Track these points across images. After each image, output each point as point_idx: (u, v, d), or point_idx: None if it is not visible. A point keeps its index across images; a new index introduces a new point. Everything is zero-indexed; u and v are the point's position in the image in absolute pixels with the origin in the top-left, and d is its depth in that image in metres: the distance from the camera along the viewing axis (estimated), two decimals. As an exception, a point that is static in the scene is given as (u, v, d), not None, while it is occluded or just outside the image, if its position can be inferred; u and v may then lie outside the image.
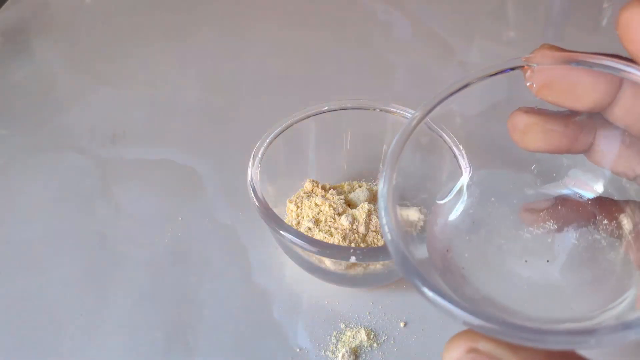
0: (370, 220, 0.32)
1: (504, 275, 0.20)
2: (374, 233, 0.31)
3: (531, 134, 0.19)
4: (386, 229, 0.18)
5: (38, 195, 0.40)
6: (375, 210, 0.33)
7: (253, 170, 0.31)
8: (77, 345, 0.31)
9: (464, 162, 0.24)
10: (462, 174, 0.22)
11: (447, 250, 0.21)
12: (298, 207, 0.34)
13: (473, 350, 0.15)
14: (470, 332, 0.16)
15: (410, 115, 0.34)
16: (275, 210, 0.29)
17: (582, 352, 0.15)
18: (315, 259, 0.30)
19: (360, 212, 0.32)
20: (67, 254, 0.36)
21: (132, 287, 0.34)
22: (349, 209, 0.33)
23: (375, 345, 0.31)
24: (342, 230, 0.31)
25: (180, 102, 0.49)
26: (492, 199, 0.21)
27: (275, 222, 0.28)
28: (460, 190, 0.22)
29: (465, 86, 0.19)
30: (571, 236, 0.20)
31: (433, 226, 0.21)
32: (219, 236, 0.37)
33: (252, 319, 0.32)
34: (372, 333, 0.31)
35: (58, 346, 0.31)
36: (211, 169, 0.42)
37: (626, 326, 0.13)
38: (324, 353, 0.30)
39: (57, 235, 0.37)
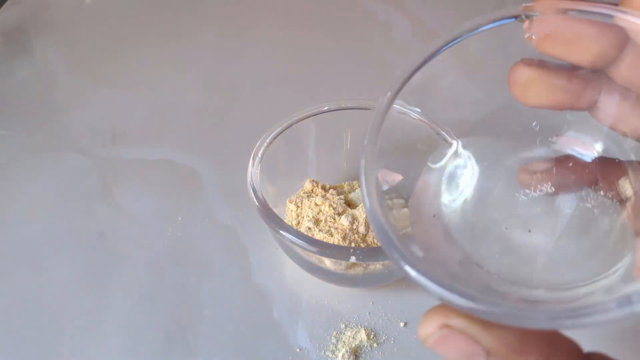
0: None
1: (493, 240, 0.19)
2: (374, 233, 0.31)
3: (533, 88, 0.18)
4: (366, 200, 0.17)
5: (38, 195, 0.40)
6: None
7: (253, 170, 0.31)
8: (77, 345, 0.31)
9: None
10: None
11: (434, 215, 0.20)
12: (298, 207, 0.34)
13: (445, 327, 0.15)
14: (445, 307, 0.15)
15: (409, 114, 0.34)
16: (275, 210, 0.29)
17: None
18: (315, 259, 0.30)
19: (360, 212, 0.32)
20: (67, 254, 0.36)
21: (132, 287, 0.34)
22: (349, 209, 0.33)
23: (375, 345, 0.31)
24: (342, 230, 0.31)
25: (180, 102, 0.49)
26: (486, 162, 0.20)
27: (275, 222, 0.28)
28: (453, 154, 0.21)
29: (457, 39, 0.18)
30: (568, 200, 0.19)
31: (421, 191, 0.20)
32: (219, 236, 0.37)
33: (252, 319, 0.32)
34: (372, 333, 0.31)
35: (58, 346, 0.31)
36: (211, 169, 0.42)
37: (607, 306, 0.13)
38: (324, 353, 0.30)
39: (57, 235, 0.37)
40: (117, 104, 0.49)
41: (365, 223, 0.31)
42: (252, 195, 0.30)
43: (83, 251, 0.36)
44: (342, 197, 0.34)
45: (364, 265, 0.30)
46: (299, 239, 0.27)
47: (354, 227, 0.31)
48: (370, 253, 0.27)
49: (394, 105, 0.18)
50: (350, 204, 0.35)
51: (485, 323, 0.14)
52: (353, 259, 0.27)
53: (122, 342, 0.31)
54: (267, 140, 0.33)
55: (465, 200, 0.20)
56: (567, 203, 0.19)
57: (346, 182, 0.37)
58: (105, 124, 0.46)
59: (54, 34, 0.58)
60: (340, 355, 0.30)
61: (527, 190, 0.19)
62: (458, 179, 0.20)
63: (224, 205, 0.39)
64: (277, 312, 0.32)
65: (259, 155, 0.32)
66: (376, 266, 0.30)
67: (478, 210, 0.20)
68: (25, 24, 0.59)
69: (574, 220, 0.19)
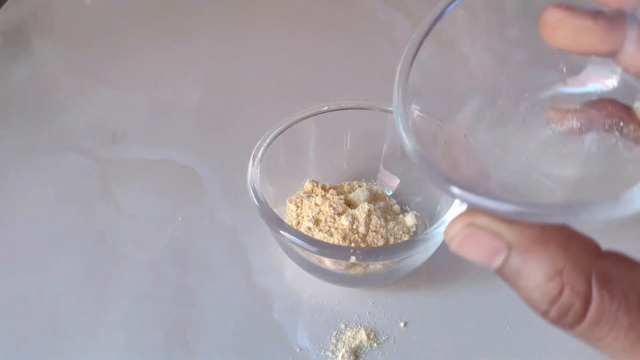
0: (370, 220, 0.32)
1: (517, 164, 0.21)
2: (374, 233, 0.31)
3: (561, 30, 0.19)
4: (405, 139, 0.18)
5: (38, 195, 0.40)
6: (375, 210, 0.33)
7: (253, 170, 0.31)
8: (77, 345, 0.31)
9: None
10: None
11: (465, 135, 0.21)
12: (298, 207, 0.34)
13: (470, 225, 0.16)
14: (471, 211, 0.16)
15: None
16: (275, 210, 0.29)
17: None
18: (315, 259, 0.30)
19: (360, 212, 0.32)
20: (67, 254, 0.36)
21: (132, 287, 0.34)
22: (349, 209, 0.33)
23: (375, 345, 0.31)
24: (342, 230, 0.31)
25: (180, 102, 0.49)
26: (513, 99, 0.21)
27: (275, 222, 0.28)
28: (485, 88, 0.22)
29: None
30: (592, 137, 0.20)
31: (455, 114, 0.21)
32: (219, 236, 0.37)
33: (252, 319, 0.32)
34: (372, 333, 0.31)
35: (58, 346, 0.31)
36: (211, 169, 0.42)
37: (615, 200, 0.14)
38: (324, 353, 0.30)
39: (57, 235, 0.37)
40: (117, 104, 0.49)
41: (365, 223, 0.31)
42: (252, 195, 0.30)
43: (83, 251, 0.36)
44: (342, 197, 0.34)
45: (364, 265, 0.30)
46: (299, 239, 0.27)
47: (354, 227, 0.31)
48: (370, 253, 0.27)
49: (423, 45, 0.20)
50: (350, 204, 0.35)
51: (507, 221, 0.15)
52: (353, 259, 0.27)
53: (122, 342, 0.31)
54: (267, 140, 0.33)
55: (492, 129, 0.21)
56: (592, 139, 0.20)
57: (346, 182, 0.37)
58: (105, 124, 0.46)
59: (54, 34, 0.58)
60: (340, 355, 0.30)
61: (553, 125, 0.20)
62: (486, 107, 0.22)
63: (224, 205, 0.39)
64: (277, 312, 0.32)
65: (259, 155, 0.32)
66: (376, 266, 0.30)
67: (504, 139, 0.21)
68: (25, 24, 0.59)
69: (596, 154, 0.20)
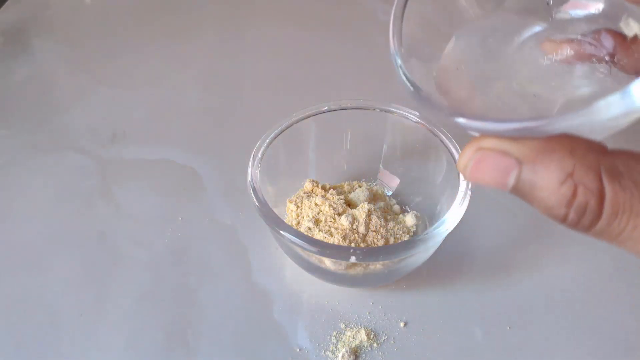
0: (370, 220, 0.32)
1: (507, 89, 0.22)
2: (374, 233, 0.31)
3: None
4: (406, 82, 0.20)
5: (38, 195, 0.40)
6: (375, 210, 0.33)
7: (253, 170, 0.31)
8: (77, 345, 0.31)
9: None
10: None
11: (457, 68, 0.22)
12: (298, 207, 0.34)
13: (480, 149, 0.17)
14: (477, 137, 0.17)
15: (410, 115, 0.34)
16: (275, 210, 0.29)
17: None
18: (315, 259, 0.30)
19: (360, 212, 0.32)
20: (67, 254, 0.36)
21: (132, 287, 0.34)
22: (349, 209, 0.33)
23: (375, 345, 0.31)
24: (342, 230, 0.31)
25: (180, 102, 0.49)
26: (508, 33, 0.23)
27: (275, 222, 0.28)
28: (480, 26, 0.23)
29: None
30: (581, 68, 0.21)
31: (448, 52, 0.23)
32: (219, 236, 0.37)
33: (252, 319, 0.32)
34: (372, 333, 0.31)
35: (58, 346, 0.31)
36: (211, 169, 0.42)
37: (619, 93, 0.14)
38: (324, 353, 0.30)
39: (57, 235, 0.37)
40: (117, 104, 0.49)
41: (365, 223, 0.31)
42: (252, 195, 0.30)
43: (83, 251, 0.36)
44: (342, 197, 0.34)
45: (364, 265, 0.30)
46: (299, 239, 0.27)
47: (354, 227, 0.31)
48: (370, 253, 0.27)
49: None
50: (350, 204, 0.35)
51: (512, 139, 0.16)
52: (353, 259, 0.27)
53: (122, 342, 0.31)
54: (267, 140, 0.33)
55: (485, 62, 0.23)
56: (581, 69, 0.21)
57: (346, 182, 0.37)
58: (105, 124, 0.46)
59: (54, 34, 0.58)
60: (340, 355, 0.30)
61: (549, 55, 0.22)
62: (483, 44, 0.23)
63: (224, 205, 0.39)
64: (277, 312, 0.32)
65: (259, 155, 0.32)
66: (376, 266, 0.30)
67: (497, 70, 0.22)
68: (25, 24, 0.59)
69: (584, 82, 0.21)
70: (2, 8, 0.61)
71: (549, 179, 0.16)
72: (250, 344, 0.31)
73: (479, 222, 0.37)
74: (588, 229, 0.16)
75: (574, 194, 0.16)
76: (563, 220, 0.17)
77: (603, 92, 0.15)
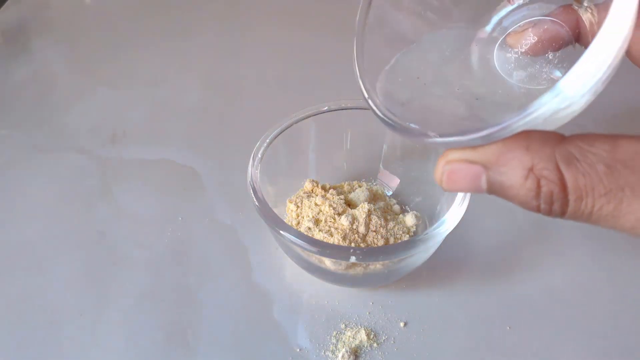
0: (370, 220, 0.32)
1: (450, 94, 0.23)
2: (374, 233, 0.31)
3: None
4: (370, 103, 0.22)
5: (38, 195, 0.40)
6: (375, 210, 0.33)
7: (253, 170, 0.31)
8: (77, 345, 0.31)
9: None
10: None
11: (400, 79, 0.24)
12: (298, 207, 0.34)
13: (447, 162, 0.19)
14: (445, 152, 0.19)
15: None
16: (275, 210, 0.29)
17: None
18: (315, 259, 0.30)
19: (360, 212, 0.32)
20: (67, 254, 0.36)
21: (132, 287, 0.34)
22: (349, 209, 0.33)
23: (375, 345, 0.31)
24: (342, 230, 0.31)
25: (180, 102, 0.49)
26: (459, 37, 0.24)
27: (275, 222, 0.28)
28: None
29: None
30: (533, 64, 0.23)
31: (394, 62, 0.25)
32: (219, 236, 0.37)
33: (252, 319, 0.32)
34: (372, 333, 0.31)
35: (58, 346, 0.31)
36: (211, 169, 0.42)
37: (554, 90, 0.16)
38: (324, 353, 0.30)
39: (57, 235, 0.37)
40: (117, 104, 0.49)
41: (365, 223, 0.31)
42: (252, 195, 0.30)
43: (83, 251, 0.36)
44: (342, 197, 0.34)
45: (364, 265, 0.30)
46: (299, 239, 0.27)
47: (354, 227, 0.31)
48: (370, 253, 0.27)
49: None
50: (350, 204, 0.35)
51: (474, 148, 0.18)
52: (353, 259, 0.27)
53: (122, 342, 0.31)
54: (267, 140, 0.33)
55: (430, 69, 0.24)
56: (534, 65, 0.23)
57: (346, 182, 0.37)
58: (105, 124, 0.46)
59: (54, 34, 0.58)
60: (340, 355, 0.30)
61: (515, 49, 0.23)
62: (429, 55, 0.24)
63: (224, 205, 0.39)
64: (277, 312, 0.32)
65: (259, 155, 0.32)
66: (376, 266, 0.30)
67: (439, 76, 0.24)
68: (25, 24, 0.59)
69: (535, 80, 0.23)
70: (2, 8, 0.61)
71: (513, 177, 0.17)
72: (250, 344, 0.31)
73: (479, 222, 0.37)
74: (562, 214, 0.18)
75: (539, 186, 0.17)
76: (537, 210, 0.18)
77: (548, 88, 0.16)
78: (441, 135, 0.18)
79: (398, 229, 0.32)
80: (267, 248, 0.36)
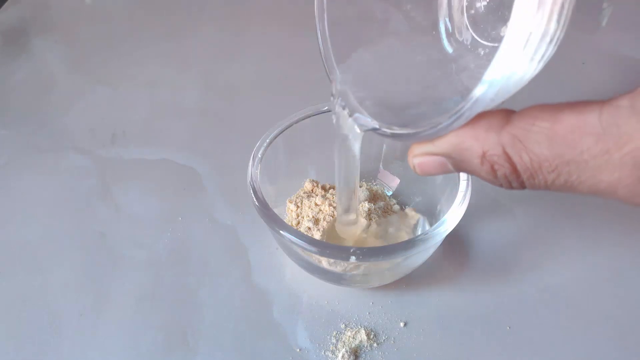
0: (371, 220, 0.32)
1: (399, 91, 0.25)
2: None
3: None
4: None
5: (38, 195, 0.40)
6: (375, 210, 0.33)
7: (253, 170, 0.31)
8: (77, 345, 0.31)
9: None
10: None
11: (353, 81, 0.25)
12: (298, 207, 0.34)
13: (415, 156, 0.21)
14: (411, 147, 0.21)
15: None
16: (275, 210, 0.29)
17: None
18: (315, 259, 0.30)
19: (360, 211, 0.32)
20: (67, 254, 0.36)
21: (132, 287, 0.34)
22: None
23: (375, 345, 0.31)
24: (342, 230, 0.31)
25: (180, 102, 0.49)
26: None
27: (275, 222, 0.28)
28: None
29: None
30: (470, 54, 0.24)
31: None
32: (219, 236, 0.37)
33: (252, 319, 0.32)
34: (372, 333, 0.31)
35: (58, 346, 0.31)
36: (211, 169, 0.42)
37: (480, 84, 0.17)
38: (324, 353, 0.30)
39: (57, 236, 0.37)
40: (117, 104, 0.49)
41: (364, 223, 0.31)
42: (252, 195, 0.30)
43: (83, 251, 0.36)
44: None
45: (364, 265, 0.30)
46: (299, 239, 0.27)
47: (354, 227, 0.31)
48: (370, 253, 0.27)
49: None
50: (350, 204, 0.35)
51: (432, 141, 0.20)
52: (353, 259, 0.27)
53: (122, 342, 0.31)
54: (267, 140, 0.33)
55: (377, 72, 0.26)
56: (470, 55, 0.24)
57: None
58: (105, 124, 0.46)
59: (54, 34, 0.58)
60: (340, 355, 0.30)
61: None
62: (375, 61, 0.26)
63: (224, 205, 0.39)
64: (277, 312, 0.32)
65: (259, 155, 0.32)
66: (376, 266, 0.30)
67: (386, 76, 0.25)
68: (25, 24, 0.59)
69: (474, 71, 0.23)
70: (2, 8, 0.61)
71: (472, 164, 0.19)
72: (250, 344, 0.31)
73: (479, 222, 0.37)
74: (522, 189, 0.19)
75: (493, 170, 0.19)
76: (501, 186, 0.19)
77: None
78: (391, 130, 0.20)
79: (398, 228, 0.32)
80: (267, 248, 0.36)
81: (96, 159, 0.43)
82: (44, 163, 0.43)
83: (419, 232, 0.34)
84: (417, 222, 0.34)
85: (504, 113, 0.18)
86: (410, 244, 0.27)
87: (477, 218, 0.37)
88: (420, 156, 0.21)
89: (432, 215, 0.34)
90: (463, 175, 0.30)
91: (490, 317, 0.32)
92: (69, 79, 0.52)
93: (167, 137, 0.45)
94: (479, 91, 0.17)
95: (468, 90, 0.17)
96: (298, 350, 0.31)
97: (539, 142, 0.17)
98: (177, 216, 0.38)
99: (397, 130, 0.21)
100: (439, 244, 0.30)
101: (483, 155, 0.18)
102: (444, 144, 0.19)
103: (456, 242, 0.35)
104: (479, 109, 0.17)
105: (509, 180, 0.19)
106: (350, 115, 0.24)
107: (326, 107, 0.35)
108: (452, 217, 0.28)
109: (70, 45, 0.56)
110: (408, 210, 0.34)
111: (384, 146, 0.37)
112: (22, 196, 0.40)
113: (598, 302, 0.33)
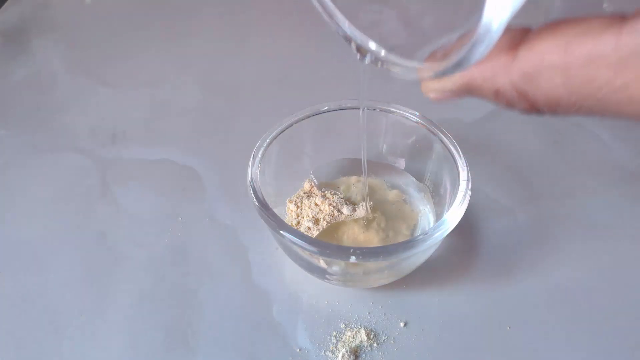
0: (374, 217, 0.32)
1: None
2: (375, 229, 0.31)
3: None
4: None
5: (38, 195, 0.40)
6: (375, 209, 0.33)
7: (253, 170, 0.31)
8: (77, 345, 0.31)
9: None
10: None
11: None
12: (298, 207, 0.34)
13: (430, 92, 0.20)
14: (424, 83, 0.21)
15: (409, 115, 0.34)
16: (275, 210, 0.29)
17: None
18: (315, 259, 0.30)
19: (360, 211, 0.32)
20: (67, 254, 0.36)
21: (132, 287, 0.34)
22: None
23: (375, 345, 0.31)
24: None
25: (180, 103, 0.49)
26: None
27: (275, 222, 0.28)
28: None
29: None
30: None
31: None
32: (219, 236, 0.37)
33: (252, 319, 0.32)
34: (372, 333, 0.31)
35: (58, 346, 0.31)
36: (211, 169, 0.42)
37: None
38: (324, 353, 0.30)
39: (57, 235, 0.37)
40: (117, 104, 0.49)
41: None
42: (252, 195, 0.30)
43: (83, 251, 0.36)
44: (341, 195, 0.34)
45: (364, 265, 0.30)
46: (299, 239, 0.27)
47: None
48: (370, 253, 0.27)
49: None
50: (350, 203, 0.35)
51: (445, 79, 0.19)
52: (353, 259, 0.27)
53: (122, 342, 0.31)
54: (267, 140, 0.33)
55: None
56: None
57: (345, 178, 0.37)
58: (105, 124, 0.46)
59: (54, 34, 0.58)
60: (340, 355, 0.30)
61: None
62: None
63: (224, 205, 0.39)
64: (277, 312, 0.32)
65: (259, 155, 0.32)
66: (376, 266, 0.30)
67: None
68: (25, 24, 0.59)
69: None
70: (2, 8, 0.61)
71: (487, 97, 0.18)
72: (250, 344, 0.31)
73: (479, 222, 0.37)
74: (542, 115, 0.18)
75: (509, 103, 0.18)
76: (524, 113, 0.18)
77: None
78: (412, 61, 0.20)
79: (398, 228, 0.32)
80: (267, 248, 0.36)
81: (96, 159, 0.43)
82: (44, 163, 0.43)
83: (419, 231, 0.34)
84: (417, 222, 0.34)
85: (510, 43, 0.17)
86: (410, 244, 0.27)
87: (478, 218, 0.37)
88: (435, 92, 0.20)
89: (433, 215, 0.34)
90: (463, 175, 0.30)
91: (490, 317, 0.32)
92: (69, 79, 0.52)
93: (167, 137, 0.45)
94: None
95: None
96: (298, 350, 0.31)
97: (552, 80, 0.16)
98: (177, 216, 0.38)
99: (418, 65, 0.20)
100: (439, 244, 0.30)
101: (497, 91, 0.17)
102: (458, 80, 0.18)
103: (456, 242, 0.35)
104: (482, 51, 0.16)
105: (527, 112, 0.18)
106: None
107: (326, 107, 0.35)
108: (452, 217, 0.28)
109: (70, 45, 0.56)
110: (408, 206, 0.34)
111: (384, 145, 0.37)
112: (22, 196, 0.40)
113: (598, 302, 0.33)
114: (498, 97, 0.18)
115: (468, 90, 0.18)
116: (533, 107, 0.17)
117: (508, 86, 0.17)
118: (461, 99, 0.20)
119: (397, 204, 0.36)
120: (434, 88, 0.20)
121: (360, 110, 0.30)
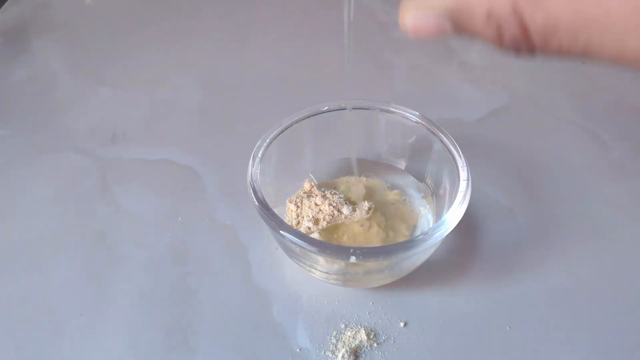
0: (372, 217, 0.32)
1: None
2: (375, 229, 0.31)
3: None
4: None
5: (38, 195, 0.40)
6: (375, 209, 0.33)
7: (253, 170, 0.31)
8: (77, 345, 0.31)
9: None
10: None
11: None
12: (298, 207, 0.34)
13: (408, 13, 0.18)
14: (402, 5, 0.19)
15: (409, 115, 0.34)
16: (275, 210, 0.29)
17: None
18: (315, 259, 0.30)
19: (360, 210, 0.32)
20: (67, 254, 0.36)
21: (132, 287, 0.34)
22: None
23: (375, 345, 0.31)
24: (342, 230, 0.31)
25: (180, 103, 0.49)
26: None
27: (275, 222, 0.28)
28: None
29: None
30: None
31: None
32: (219, 236, 0.37)
33: (252, 319, 0.32)
34: (372, 333, 0.31)
35: (58, 346, 0.31)
36: (211, 169, 0.42)
37: None
38: (324, 353, 0.30)
39: (57, 235, 0.37)
40: (117, 104, 0.49)
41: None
42: (252, 195, 0.30)
43: (83, 251, 0.36)
44: (341, 195, 0.34)
45: (364, 265, 0.30)
46: (299, 239, 0.27)
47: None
48: (370, 253, 0.27)
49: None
50: (350, 203, 0.35)
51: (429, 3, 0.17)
52: (353, 259, 0.27)
53: (122, 342, 0.31)
54: (267, 140, 0.33)
55: None
56: None
57: (344, 178, 0.37)
58: (105, 124, 0.46)
59: (54, 34, 0.58)
60: (340, 355, 0.30)
61: None
62: None
63: (224, 205, 0.39)
64: (277, 312, 0.32)
65: (259, 155, 0.32)
66: (376, 266, 0.30)
67: None
68: (25, 24, 0.59)
69: None
70: (2, 8, 0.61)
71: (474, 24, 0.17)
72: (250, 344, 0.31)
73: (479, 222, 0.37)
74: (531, 54, 0.17)
75: (500, 32, 0.16)
76: (507, 52, 0.17)
77: None
78: None
79: (398, 228, 0.32)
80: (267, 248, 0.36)
81: (96, 159, 0.43)
82: (44, 163, 0.43)
83: (419, 231, 0.34)
84: (417, 222, 0.34)
85: None
86: (410, 244, 0.27)
87: (477, 218, 0.37)
88: (414, 15, 0.18)
89: (433, 215, 0.34)
90: (463, 175, 0.30)
91: (491, 317, 0.32)
92: (69, 79, 0.52)
93: (167, 137, 0.45)
94: None
95: None
96: (298, 350, 0.31)
97: None
98: (177, 216, 0.38)
99: None
100: (438, 244, 0.30)
101: (489, 14, 0.16)
102: (445, 1, 0.17)
103: (456, 242, 0.35)
104: None
105: (517, 44, 0.16)
106: None
107: (326, 107, 0.35)
108: (452, 217, 0.28)
109: (70, 45, 0.56)
110: (407, 205, 0.34)
111: (384, 146, 0.37)
112: (22, 196, 0.40)
113: (598, 302, 0.33)
114: (488, 21, 0.16)
115: (454, 11, 0.17)
116: (525, 34, 0.16)
117: (505, 5, 0.15)
118: (441, 36, 0.18)
119: (397, 204, 0.36)
120: (414, 8, 0.18)
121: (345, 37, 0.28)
